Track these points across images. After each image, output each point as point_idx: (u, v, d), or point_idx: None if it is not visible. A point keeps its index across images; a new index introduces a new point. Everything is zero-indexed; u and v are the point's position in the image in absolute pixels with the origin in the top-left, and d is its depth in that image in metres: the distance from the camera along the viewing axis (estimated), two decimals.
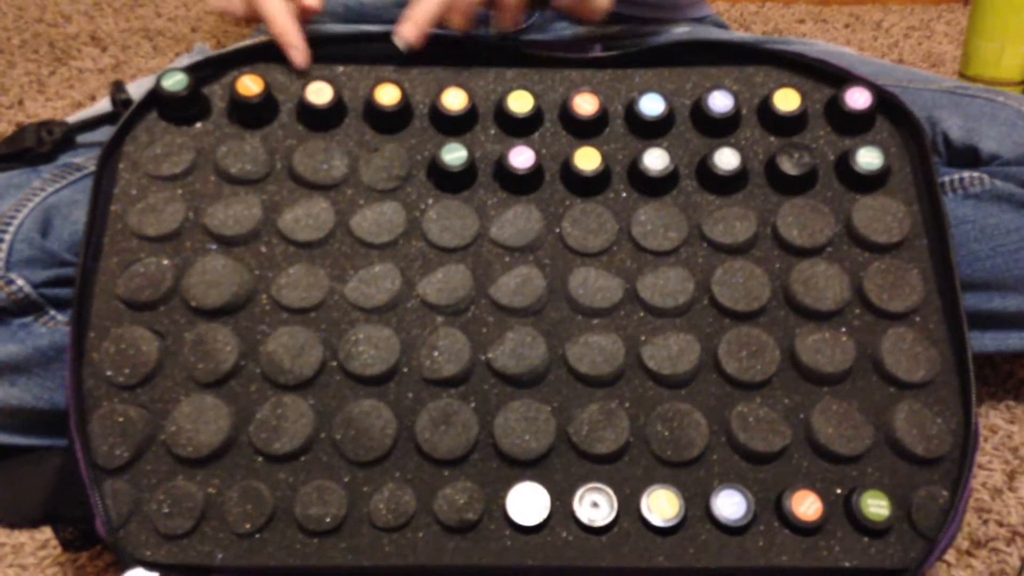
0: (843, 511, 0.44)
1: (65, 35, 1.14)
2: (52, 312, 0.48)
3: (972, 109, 0.57)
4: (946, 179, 0.55)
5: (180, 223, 0.47)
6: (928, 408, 0.46)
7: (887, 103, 0.51)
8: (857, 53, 0.70)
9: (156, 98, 0.49)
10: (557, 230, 0.48)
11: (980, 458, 0.56)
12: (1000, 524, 0.51)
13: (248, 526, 0.41)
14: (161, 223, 0.47)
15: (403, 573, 0.42)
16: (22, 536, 0.50)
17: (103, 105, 0.53)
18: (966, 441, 0.45)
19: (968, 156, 0.56)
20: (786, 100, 0.51)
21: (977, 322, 0.54)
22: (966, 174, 0.55)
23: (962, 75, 0.90)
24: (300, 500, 0.42)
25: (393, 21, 0.66)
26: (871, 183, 0.50)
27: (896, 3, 1.29)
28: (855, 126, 0.51)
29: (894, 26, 1.21)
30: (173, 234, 0.47)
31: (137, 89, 0.53)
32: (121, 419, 0.43)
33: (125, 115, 0.49)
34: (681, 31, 0.71)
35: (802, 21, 1.22)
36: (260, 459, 0.43)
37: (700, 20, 0.74)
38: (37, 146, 0.52)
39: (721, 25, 0.77)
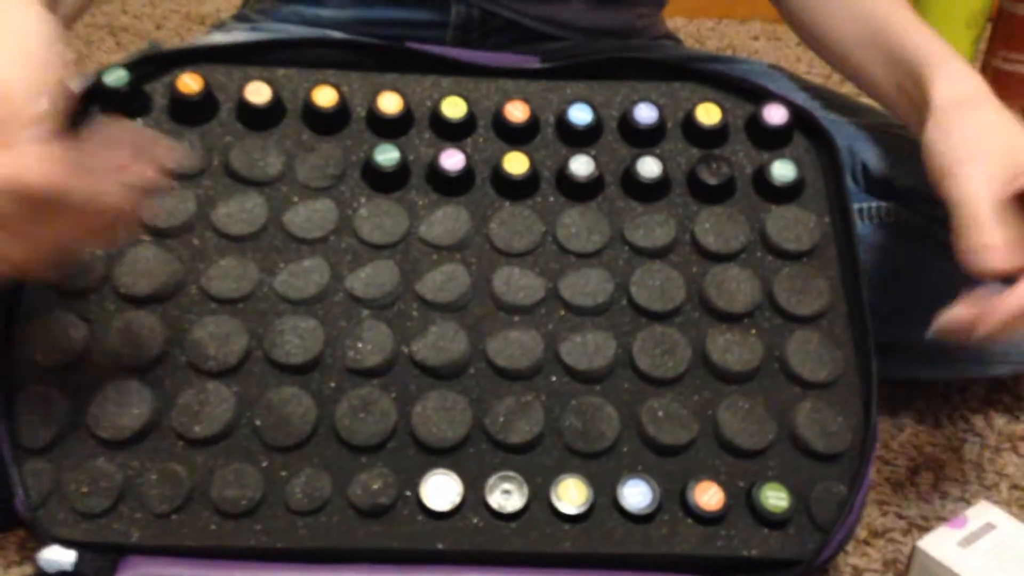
0: (744, 503, 0.46)
1: None
2: None
3: (891, 145, 0.60)
4: (862, 207, 0.58)
5: None
6: (830, 407, 0.48)
7: (804, 120, 0.53)
8: (796, 77, 0.72)
9: (97, 93, 0.50)
10: (484, 231, 0.50)
11: (886, 454, 0.59)
12: (899, 516, 0.54)
13: (165, 507, 0.42)
14: None
15: (316, 555, 0.43)
16: None
17: None
18: (865, 440, 0.47)
19: (884, 187, 0.59)
20: (708, 114, 0.53)
21: (882, 348, 0.57)
22: (882, 203, 0.58)
23: None
24: (217, 483, 0.43)
25: (349, 32, 0.68)
26: (785, 194, 0.52)
27: None
28: (772, 141, 0.53)
29: None
30: None
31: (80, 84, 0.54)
32: (45, 401, 0.44)
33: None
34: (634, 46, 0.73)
35: (756, 38, 1.25)
36: (180, 443, 0.44)
37: (655, 39, 0.76)
38: None
39: (676, 41, 0.79)
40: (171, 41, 1.18)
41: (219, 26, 0.73)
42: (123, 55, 1.11)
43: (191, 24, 1.21)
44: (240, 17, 0.72)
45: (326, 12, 0.68)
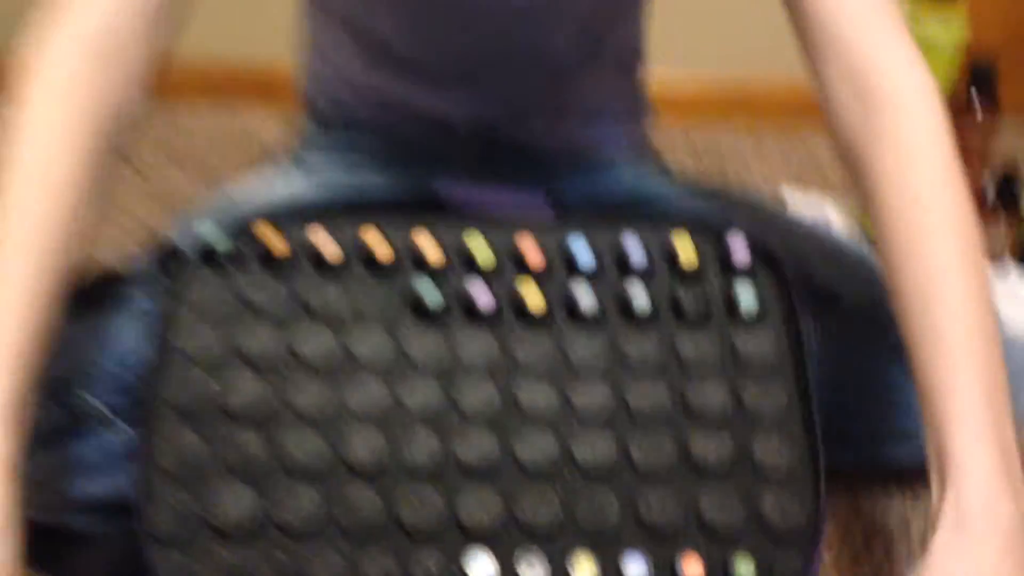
0: (721, 572, 0.58)
1: None
2: (119, 422, 0.63)
3: (838, 264, 0.72)
4: (812, 325, 0.70)
5: (223, 352, 0.62)
6: (790, 495, 0.60)
7: (762, 251, 0.67)
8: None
9: (202, 252, 0.65)
10: (510, 354, 0.63)
11: (839, 531, 0.70)
12: None
13: None
14: (208, 352, 0.62)
15: None
16: None
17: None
18: (816, 521, 0.59)
19: (831, 302, 0.71)
20: (685, 250, 0.67)
21: (845, 438, 0.68)
22: (829, 319, 0.70)
23: None
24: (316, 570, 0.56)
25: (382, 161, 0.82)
26: (749, 315, 0.65)
27: None
28: (737, 269, 0.67)
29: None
30: (218, 360, 0.61)
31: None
32: (176, 505, 0.57)
33: (179, 269, 0.64)
34: (627, 176, 0.87)
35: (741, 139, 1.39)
36: (281, 535, 0.57)
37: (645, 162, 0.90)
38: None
39: (664, 171, 0.92)
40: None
41: (272, 159, 0.88)
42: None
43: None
44: (293, 157, 0.87)
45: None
